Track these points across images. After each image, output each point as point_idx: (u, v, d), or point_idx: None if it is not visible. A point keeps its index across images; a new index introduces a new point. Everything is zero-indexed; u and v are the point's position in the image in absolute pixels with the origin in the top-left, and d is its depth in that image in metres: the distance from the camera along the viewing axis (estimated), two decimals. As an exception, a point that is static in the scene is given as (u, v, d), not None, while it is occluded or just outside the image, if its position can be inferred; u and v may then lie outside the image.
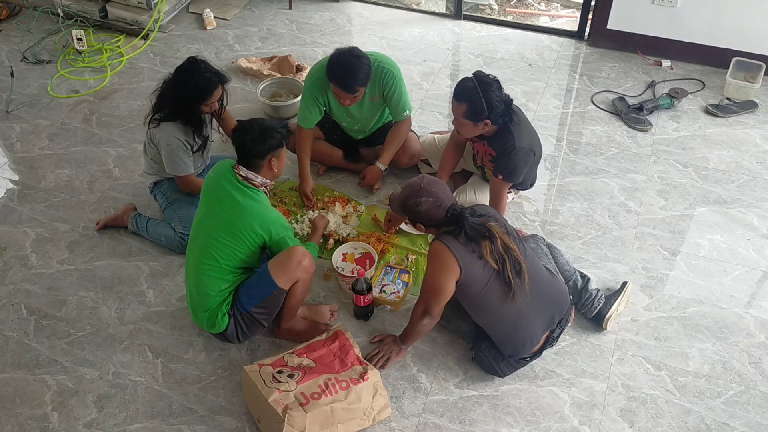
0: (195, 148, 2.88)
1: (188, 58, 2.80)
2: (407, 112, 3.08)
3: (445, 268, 2.24)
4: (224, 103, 2.89)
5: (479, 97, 2.57)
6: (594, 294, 2.61)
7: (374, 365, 2.47)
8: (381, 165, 3.16)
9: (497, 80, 2.63)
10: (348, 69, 2.81)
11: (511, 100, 2.67)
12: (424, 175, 2.38)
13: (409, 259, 2.91)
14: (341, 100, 2.93)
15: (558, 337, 2.45)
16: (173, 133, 2.79)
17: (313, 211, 3.10)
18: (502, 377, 2.48)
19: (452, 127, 2.82)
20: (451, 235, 2.27)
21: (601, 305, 2.61)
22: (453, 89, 2.67)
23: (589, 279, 2.66)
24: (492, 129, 2.68)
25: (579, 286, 2.61)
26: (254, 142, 2.37)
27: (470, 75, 2.64)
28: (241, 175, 2.38)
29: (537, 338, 2.40)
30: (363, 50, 2.89)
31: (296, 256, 2.38)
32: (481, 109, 2.59)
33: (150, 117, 2.84)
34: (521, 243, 2.35)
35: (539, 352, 2.46)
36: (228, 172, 2.39)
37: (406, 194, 2.34)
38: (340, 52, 2.85)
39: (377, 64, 2.95)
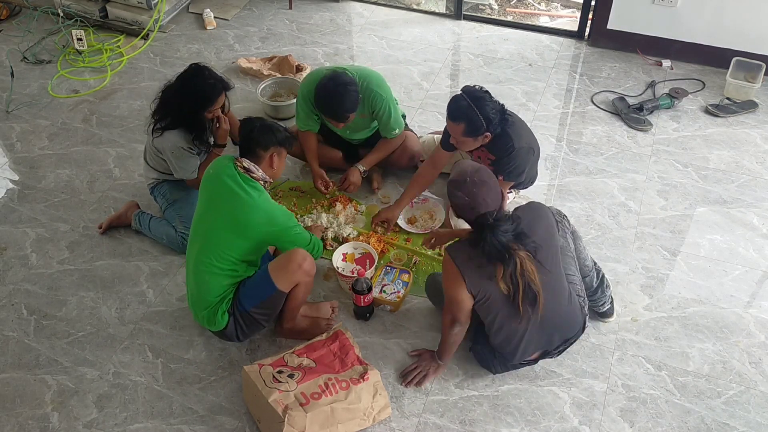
0: (199, 152, 2.89)
1: (191, 65, 2.79)
2: (397, 131, 3.09)
3: (453, 280, 2.23)
4: (225, 110, 2.89)
5: (476, 114, 2.57)
6: (607, 298, 2.62)
7: (410, 382, 2.46)
8: (361, 167, 3.15)
9: (487, 91, 2.63)
10: (335, 101, 2.81)
11: (502, 105, 2.66)
12: (479, 167, 2.26)
13: (413, 261, 2.90)
14: (335, 125, 2.97)
15: (559, 353, 2.45)
16: (177, 142, 2.80)
17: (320, 213, 3.10)
18: (494, 374, 2.48)
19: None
20: (468, 244, 2.22)
21: (608, 307, 2.61)
22: (447, 107, 2.66)
23: (604, 278, 2.61)
24: (490, 137, 2.69)
25: (594, 285, 2.58)
26: (262, 131, 2.40)
27: (459, 92, 2.63)
28: (243, 167, 2.38)
29: (527, 355, 2.38)
30: (355, 58, 2.89)
31: (296, 259, 2.37)
32: (479, 125, 2.59)
33: (153, 127, 2.83)
34: (554, 267, 2.25)
35: (534, 362, 2.45)
36: (228, 167, 2.38)
37: (453, 178, 2.26)
38: (325, 83, 2.82)
39: (365, 84, 2.94)
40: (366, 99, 2.96)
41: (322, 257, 2.91)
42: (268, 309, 2.45)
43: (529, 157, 2.75)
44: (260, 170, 2.40)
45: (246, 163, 2.38)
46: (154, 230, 2.99)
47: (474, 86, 2.65)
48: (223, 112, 2.87)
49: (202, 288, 2.42)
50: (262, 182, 2.41)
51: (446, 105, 2.62)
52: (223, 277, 2.40)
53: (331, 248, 2.93)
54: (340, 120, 2.88)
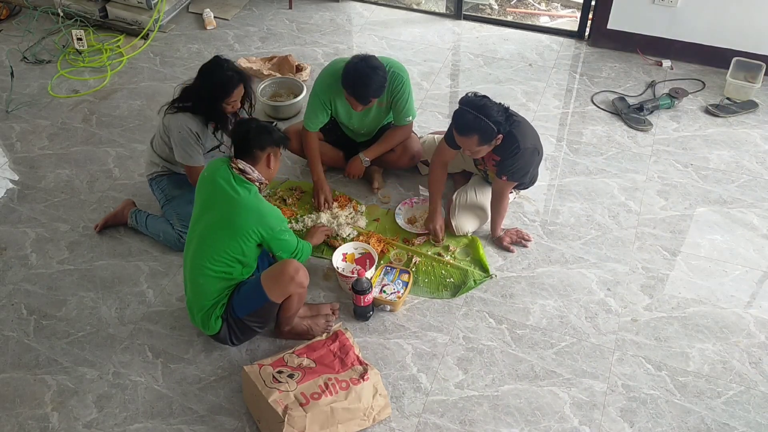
0: (208, 146, 2.89)
1: (214, 56, 2.83)
2: (410, 117, 3.07)
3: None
4: (252, 102, 2.92)
5: (485, 123, 2.57)
6: None
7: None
8: (363, 156, 3.15)
9: (485, 95, 2.64)
10: (364, 80, 2.80)
11: (502, 104, 2.66)
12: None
13: (413, 261, 2.90)
14: (354, 107, 2.93)
15: None
16: (186, 123, 2.80)
17: (319, 213, 3.10)
18: None
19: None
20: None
21: None
22: (453, 123, 2.65)
23: None
24: (502, 138, 2.69)
25: None
26: (258, 132, 2.39)
27: (458, 107, 2.63)
28: (238, 168, 2.37)
29: None
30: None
31: (289, 271, 2.34)
32: (491, 132, 2.60)
33: (168, 105, 2.85)
34: None
35: None
36: (222, 169, 2.38)
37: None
38: (356, 62, 2.83)
39: (388, 68, 2.93)
40: (389, 83, 2.94)
41: (322, 257, 2.92)
42: (261, 318, 2.45)
43: (533, 158, 2.75)
44: (256, 171, 2.39)
45: (241, 164, 2.37)
46: (150, 227, 2.99)
47: (473, 95, 2.64)
48: (248, 104, 2.91)
49: (197, 291, 2.41)
50: (257, 183, 2.40)
51: (446, 105, 2.63)
52: (216, 280, 2.39)
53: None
54: (362, 101, 2.86)
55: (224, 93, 2.76)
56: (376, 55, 2.89)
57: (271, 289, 2.36)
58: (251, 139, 2.38)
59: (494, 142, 2.66)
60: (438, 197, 2.99)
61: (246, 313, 2.41)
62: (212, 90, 2.76)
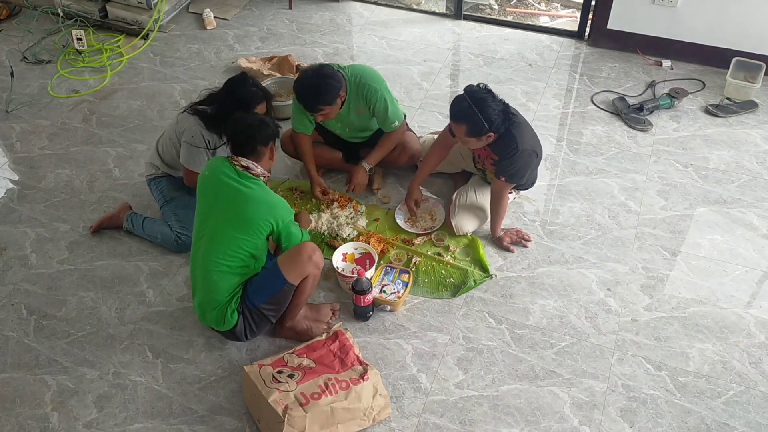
0: (213, 151, 2.89)
1: (241, 72, 2.89)
2: (396, 123, 3.06)
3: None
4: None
5: (477, 116, 2.58)
6: None
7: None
8: (366, 165, 3.15)
9: (489, 91, 2.63)
10: (310, 90, 2.81)
11: (507, 104, 2.66)
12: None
13: (413, 261, 2.90)
14: (319, 119, 2.95)
15: None
16: (201, 130, 2.80)
17: (320, 213, 3.11)
18: None
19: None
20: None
21: None
22: (450, 107, 2.67)
23: None
24: (494, 137, 2.69)
25: None
26: (261, 128, 2.40)
27: (461, 92, 2.65)
28: (242, 165, 2.38)
29: None
30: (354, 58, 2.89)
31: (306, 251, 2.39)
32: (481, 126, 2.60)
33: (188, 106, 2.86)
34: None
35: None
36: (225, 166, 2.39)
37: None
38: (307, 73, 2.84)
39: (358, 80, 2.93)
40: (360, 93, 2.95)
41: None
42: (278, 304, 2.46)
43: (531, 160, 2.75)
44: (259, 166, 2.41)
45: (244, 161, 2.38)
46: (147, 229, 2.99)
47: (477, 85, 2.64)
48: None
49: (210, 288, 2.41)
50: (262, 177, 2.42)
51: (446, 105, 2.64)
52: (232, 276, 2.40)
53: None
54: (312, 110, 2.86)
55: (246, 108, 2.76)
56: (361, 63, 2.93)
57: (288, 270, 2.38)
58: (255, 136, 2.39)
59: (485, 139, 2.65)
60: (422, 174, 3.06)
61: (264, 300, 2.42)
62: (235, 104, 2.75)
